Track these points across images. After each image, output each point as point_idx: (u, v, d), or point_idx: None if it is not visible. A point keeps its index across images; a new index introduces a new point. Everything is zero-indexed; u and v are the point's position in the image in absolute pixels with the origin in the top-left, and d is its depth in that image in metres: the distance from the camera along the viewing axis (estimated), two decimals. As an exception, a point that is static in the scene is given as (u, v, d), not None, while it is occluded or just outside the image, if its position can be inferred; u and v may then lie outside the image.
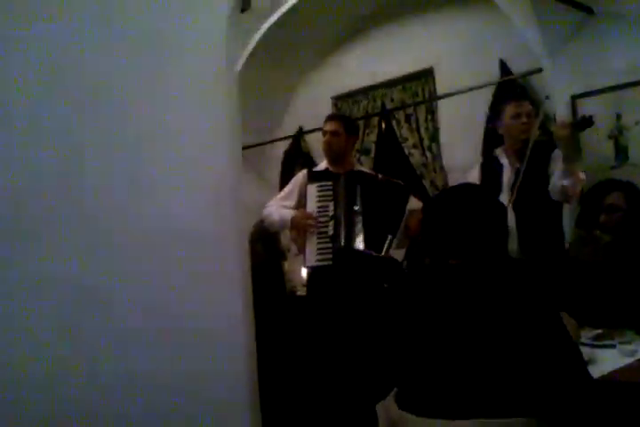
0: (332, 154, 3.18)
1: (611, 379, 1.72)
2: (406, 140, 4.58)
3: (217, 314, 1.74)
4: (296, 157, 5.11)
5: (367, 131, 4.87)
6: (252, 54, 4.71)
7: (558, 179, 2.67)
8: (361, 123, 4.88)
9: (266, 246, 3.81)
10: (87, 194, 1.63)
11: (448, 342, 1.53)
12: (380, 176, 3.26)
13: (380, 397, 1.72)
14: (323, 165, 3.28)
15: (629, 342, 1.98)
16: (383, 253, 2.92)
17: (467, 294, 1.55)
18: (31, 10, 1.58)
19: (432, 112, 4.41)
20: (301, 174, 3.22)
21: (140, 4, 1.70)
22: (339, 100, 5.08)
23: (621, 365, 1.83)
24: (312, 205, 3.06)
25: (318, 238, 3.01)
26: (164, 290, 1.70)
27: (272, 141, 5.22)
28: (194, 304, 1.73)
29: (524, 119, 2.92)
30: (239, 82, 1.96)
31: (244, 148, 3.20)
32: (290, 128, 5.22)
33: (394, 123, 4.66)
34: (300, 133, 5.16)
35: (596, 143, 3.19)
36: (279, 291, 3.77)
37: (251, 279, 1.82)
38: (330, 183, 3.08)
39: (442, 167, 4.31)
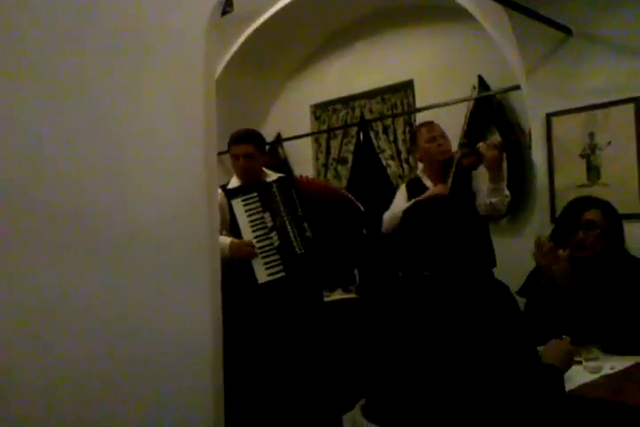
0: (249, 176, 3.04)
1: (575, 395, 1.73)
2: (384, 151, 4.61)
3: (184, 324, 1.71)
4: (273, 164, 5.10)
5: (345, 140, 4.89)
6: (232, 59, 4.72)
7: (486, 197, 2.85)
8: (339, 132, 4.91)
9: None
10: (59, 192, 1.60)
11: (416, 355, 1.53)
12: (305, 177, 3.22)
13: (347, 407, 1.71)
14: (234, 182, 3.12)
15: (595, 359, 2.00)
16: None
17: (439, 306, 1.55)
18: (8, 8, 1.55)
19: (410, 124, 4.45)
20: (219, 194, 2.99)
21: (118, 5, 1.68)
22: (317, 108, 5.10)
23: (586, 381, 1.85)
24: (243, 221, 2.92)
25: (263, 253, 2.88)
26: (132, 293, 1.68)
27: (249, 147, 5.20)
28: (160, 312, 1.70)
29: (440, 141, 3.06)
30: (217, 86, 1.94)
31: (220, 153, 3.19)
32: (268, 135, 5.21)
33: (372, 133, 4.68)
34: (278, 140, 5.16)
35: (569, 162, 3.25)
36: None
37: (220, 286, 1.80)
38: (255, 194, 2.95)
39: (418, 179, 4.33)
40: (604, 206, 2.45)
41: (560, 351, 1.77)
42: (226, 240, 2.86)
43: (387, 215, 3.16)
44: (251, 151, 2.99)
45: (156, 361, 1.69)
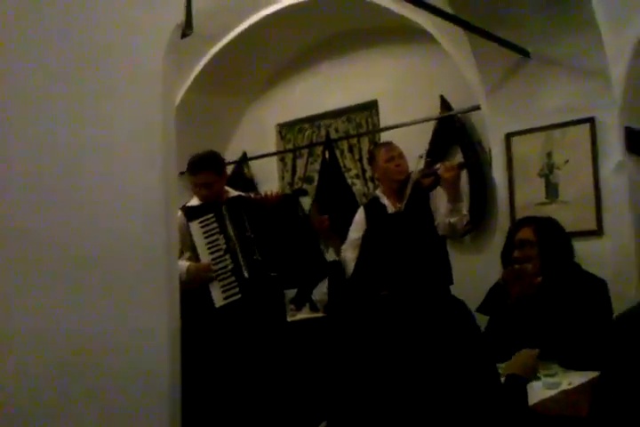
0: (211, 200, 2.99)
1: (533, 410, 1.75)
2: (349, 170, 4.65)
3: (141, 349, 1.68)
4: (238, 183, 5.09)
5: (310, 159, 4.92)
6: (197, 79, 4.72)
7: (444, 216, 2.91)
8: (305, 151, 4.94)
9: None
10: (15, 218, 1.58)
11: (376, 375, 1.53)
12: (258, 195, 3.21)
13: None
14: (195, 201, 3.06)
15: (554, 375, 2.03)
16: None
17: (395, 325, 1.56)
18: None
19: (375, 143, 4.49)
20: (179, 215, 2.90)
21: (73, 27, 1.67)
22: (283, 127, 5.12)
23: (545, 397, 1.87)
24: (201, 243, 2.90)
25: (220, 275, 2.86)
26: (88, 318, 1.65)
27: (216, 166, 5.19)
28: (117, 337, 1.67)
29: (398, 161, 3.14)
30: (182, 106, 1.94)
31: (183, 173, 3.17)
32: (234, 153, 5.21)
33: (337, 152, 4.72)
34: (244, 159, 5.16)
35: (528, 180, 3.31)
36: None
37: (179, 304, 1.77)
38: (211, 215, 2.92)
39: (383, 198, 4.37)
40: (537, 223, 2.48)
41: (525, 358, 1.80)
42: (183, 266, 2.80)
43: (343, 249, 3.15)
44: (211, 180, 2.93)
45: (110, 389, 1.65)
